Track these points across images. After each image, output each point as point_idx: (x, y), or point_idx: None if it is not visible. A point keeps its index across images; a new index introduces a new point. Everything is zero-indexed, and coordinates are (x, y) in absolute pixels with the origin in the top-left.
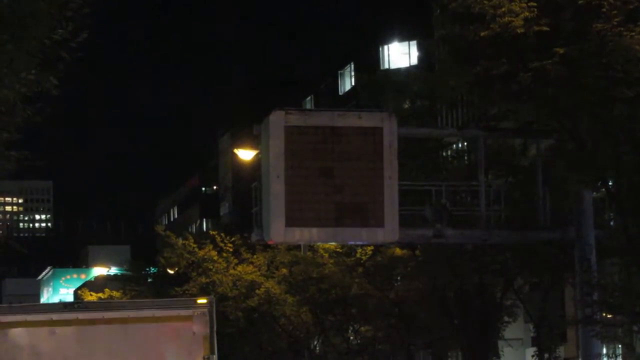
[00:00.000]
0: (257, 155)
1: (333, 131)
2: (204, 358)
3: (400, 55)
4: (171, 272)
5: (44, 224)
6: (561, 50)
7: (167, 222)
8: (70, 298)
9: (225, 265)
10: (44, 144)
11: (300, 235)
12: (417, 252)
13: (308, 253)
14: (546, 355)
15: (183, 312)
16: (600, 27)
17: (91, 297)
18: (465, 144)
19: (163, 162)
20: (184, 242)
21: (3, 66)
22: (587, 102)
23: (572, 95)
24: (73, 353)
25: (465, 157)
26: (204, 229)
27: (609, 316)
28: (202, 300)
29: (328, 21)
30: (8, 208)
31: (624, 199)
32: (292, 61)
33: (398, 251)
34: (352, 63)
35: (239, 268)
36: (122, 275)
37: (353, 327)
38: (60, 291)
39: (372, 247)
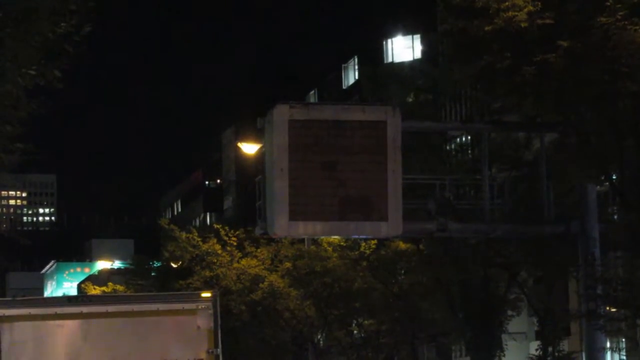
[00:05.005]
0: (260, 149)
1: (337, 125)
2: (207, 352)
3: (404, 49)
4: (175, 265)
5: (47, 218)
6: (565, 44)
7: (170, 216)
8: (74, 292)
9: (229, 259)
10: (48, 138)
11: (304, 229)
12: (421, 246)
13: (312, 247)
14: (550, 349)
15: (187, 306)
16: (604, 21)
17: (95, 290)
18: (469, 137)
19: (167, 156)
20: (187, 235)
21: (7, 60)
22: (591, 96)
23: (575, 89)
24: (77, 346)
25: (469, 151)
26: (208, 222)
27: (612, 310)
28: (206, 294)
29: (332, 15)
30: (12, 202)
31: (627, 193)
32: (295, 55)
33: (402, 245)
34: (356, 57)
35: (243, 262)
36: (125, 269)
37: (357, 321)
38: (64, 285)
39: (375, 241)
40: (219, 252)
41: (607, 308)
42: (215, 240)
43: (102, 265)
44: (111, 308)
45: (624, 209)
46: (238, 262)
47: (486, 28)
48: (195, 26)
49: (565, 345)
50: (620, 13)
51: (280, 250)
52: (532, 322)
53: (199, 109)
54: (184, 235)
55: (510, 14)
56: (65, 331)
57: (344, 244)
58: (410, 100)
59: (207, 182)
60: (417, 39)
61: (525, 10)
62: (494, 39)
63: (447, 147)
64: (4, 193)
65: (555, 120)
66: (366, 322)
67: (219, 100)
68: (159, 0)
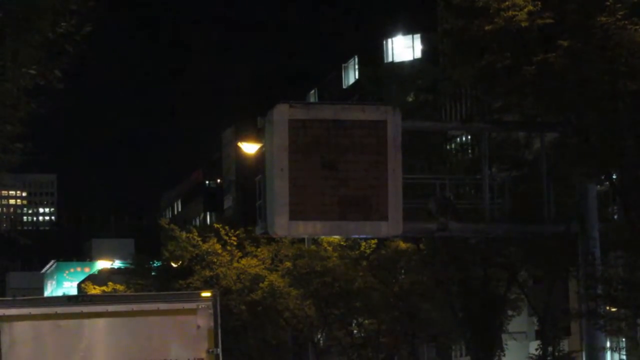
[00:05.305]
0: (260, 148)
1: (337, 124)
2: (208, 351)
3: (404, 48)
4: (175, 265)
5: (47, 218)
6: (565, 44)
7: (171, 216)
8: (74, 291)
9: (229, 258)
10: (48, 138)
11: (304, 228)
12: (421, 245)
13: (312, 246)
14: (550, 349)
15: (187, 306)
16: (604, 20)
17: (95, 290)
18: (470, 137)
19: (167, 155)
20: (187, 235)
21: (7, 59)
22: (591, 96)
23: (576, 89)
24: (77, 346)
25: (470, 151)
26: (208, 222)
27: (613, 309)
28: (206, 294)
29: (332, 14)
30: (12, 201)
31: (628, 193)
32: (296, 54)
33: (402, 244)
34: (356, 56)
35: (243, 261)
36: (125, 268)
37: (357, 321)
38: (64, 284)
39: (376, 241)
40: (219, 251)
41: (607, 308)
42: (215, 240)
43: (102, 264)
44: (111, 308)
45: (624, 209)
46: (238, 261)
47: (486, 27)
48: (196, 26)
49: (565, 345)
50: (621, 12)
51: (280, 249)
52: (532, 321)
53: (199, 109)
54: (184, 234)
55: (510, 13)
56: (65, 331)
57: (344, 244)
58: (411, 99)
59: (207, 182)
60: (417, 38)
61: (526, 10)
62: (494, 38)
63: (448, 147)
64: (4, 193)
65: (555, 120)
66: (366, 321)
67: (219, 100)
68: (159, 1)
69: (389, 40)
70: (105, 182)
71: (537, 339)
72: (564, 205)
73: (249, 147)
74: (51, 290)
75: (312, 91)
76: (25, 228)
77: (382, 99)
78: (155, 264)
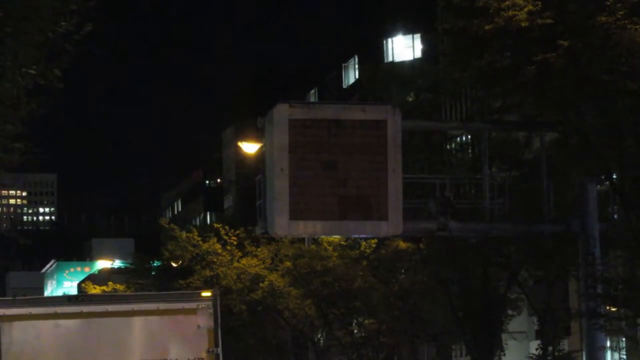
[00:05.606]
0: (261, 148)
1: (337, 124)
2: (208, 351)
3: (404, 48)
4: (175, 265)
5: (48, 217)
6: (565, 43)
7: (171, 215)
8: (74, 291)
9: (229, 258)
10: (48, 137)
11: (304, 228)
12: (421, 245)
13: (312, 246)
14: (550, 348)
15: (187, 305)
16: (604, 20)
17: (95, 290)
18: (470, 137)
19: (167, 155)
20: (188, 235)
21: (7, 59)
22: (591, 95)
23: (576, 88)
24: (77, 346)
25: (470, 150)
26: (208, 222)
27: (613, 309)
28: (206, 294)
29: (332, 14)
30: (12, 201)
31: (627, 192)
32: (296, 54)
33: (402, 244)
34: (356, 56)
35: (243, 261)
36: (125, 268)
37: (357, 320)
38: (64, 284)
39: (376, 240)
40: (219, 251)
41: (608, 307)
42: (215, 240)
43: (102, 264)
44: (111, 307)
45: (624, 208)
46: (238, 261)
47: (486, 27)
48: (196, 26)
49: (565, 345)
50: (620, 12)
51: (280, 249)
52: (532, 321)
53: (199, 109)
54: (184, 234)
55: (510, 13)
56: (65, 330)
57: (345, 243)
58: (411, 99)
59: (207, 181)
60: (418, 38)
61: (526, 9)
62: (494, 38)
63: (448, 147)
64: (4, 192)
65: (555, 120)
66: (366, 321)
67: (219, 100)
68: (159, 0)
69: (389, 40)
70: (105, 182)
71: (537, 339)
72: (564, 205)
73: (249, 147)
74: (51, 290)
75: (312, 91)
76: (25, 228)
77: (382, 99)
78: (155, 264)
